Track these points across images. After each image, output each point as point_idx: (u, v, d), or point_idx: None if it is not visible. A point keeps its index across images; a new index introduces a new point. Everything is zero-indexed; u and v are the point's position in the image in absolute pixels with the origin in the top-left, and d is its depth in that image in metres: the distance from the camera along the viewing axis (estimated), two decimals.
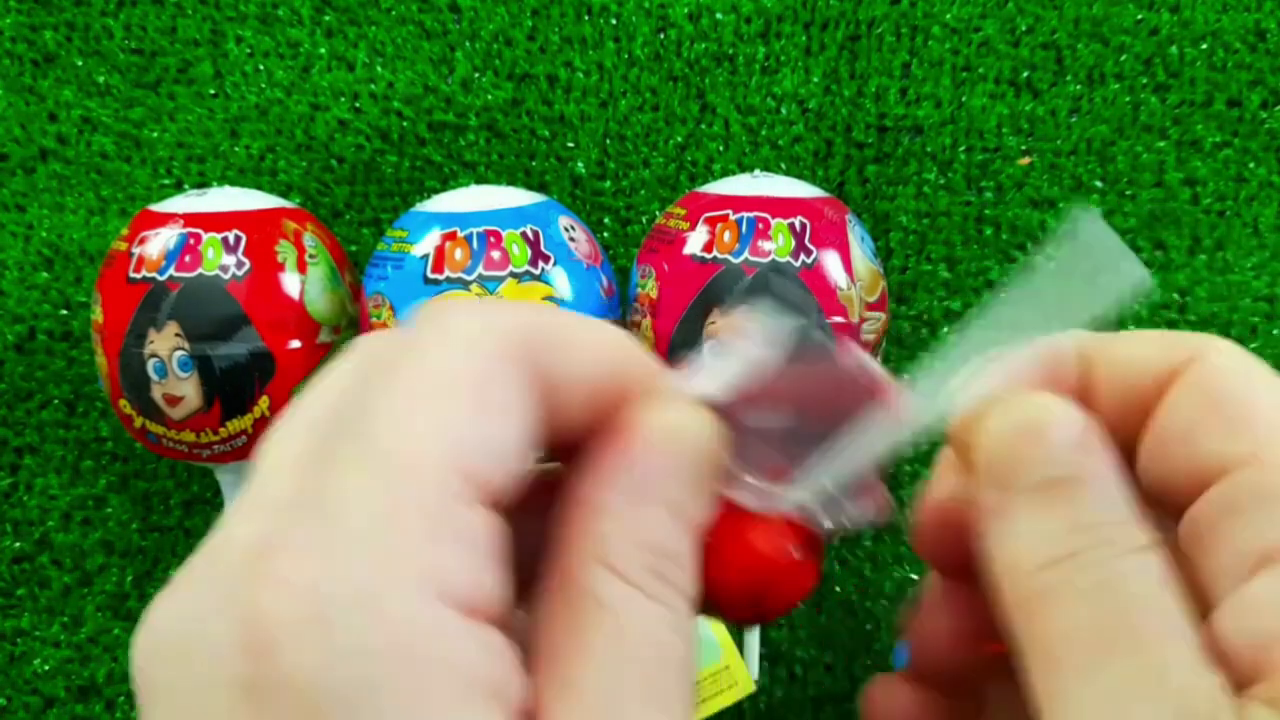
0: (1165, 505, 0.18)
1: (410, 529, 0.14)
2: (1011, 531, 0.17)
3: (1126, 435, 0.19)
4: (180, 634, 0.14)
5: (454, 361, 0.16)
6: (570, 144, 0.48)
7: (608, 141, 0.48)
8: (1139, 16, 0.47)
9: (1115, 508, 0.17)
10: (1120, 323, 0.46)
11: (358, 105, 0.49)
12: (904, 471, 0.47)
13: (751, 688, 0.41)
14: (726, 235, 0.40)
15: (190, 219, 0.40)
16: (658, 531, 0.17)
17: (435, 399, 0.15)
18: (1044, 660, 0.16)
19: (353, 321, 0.43)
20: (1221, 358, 0.18)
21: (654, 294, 0.41)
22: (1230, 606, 0.16)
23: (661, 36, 0.48)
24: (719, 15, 0.48)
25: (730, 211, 0.40)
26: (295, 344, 0.40)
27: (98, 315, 0.41)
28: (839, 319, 0.39)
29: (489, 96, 0.48)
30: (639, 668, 0.16)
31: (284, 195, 0.47)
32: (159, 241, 0.40)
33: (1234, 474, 0.17)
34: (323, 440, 0.15)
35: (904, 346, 0.47)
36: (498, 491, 0.15)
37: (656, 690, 0.16)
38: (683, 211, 0.41)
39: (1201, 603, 0.17)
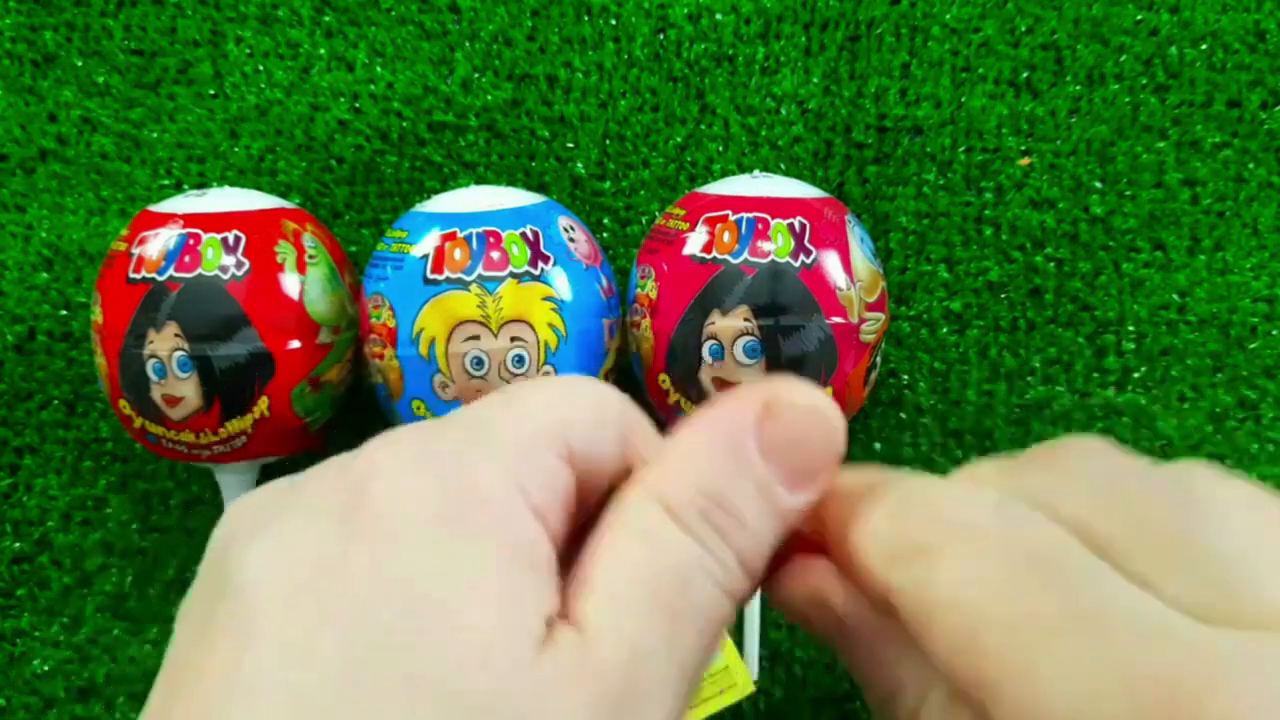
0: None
1: (508, 445, 0.17)
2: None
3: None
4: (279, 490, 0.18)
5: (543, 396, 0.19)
6: (570, 144, 0.48)
7: (607, 142, 0.48)
8: (1139, 17, 0.47)
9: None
10: (1122, 323, 0.46)
11: (358, 106, 0.49)
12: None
13: (751, 688, 0.41)
14: (726, 235, 0.40)
15: (190, 219, 0.40)
16: (728, 489, 0.17)
17: (549, 401, 0.19)
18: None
19: (352, 322, 0.43)
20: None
21: (653, 294, 0.41)
22: None
23: (661, 37, 0.48)
24: (719, 16, 0.48)
25: (730, 212, 0.40)
26: (295, 344, 0.40)
27: (97, 316, 0.41)
28: (839, 319, 0.39)
29: (489, 97, 0.48)
30: (654, 591, 0.16)
31: (284, 196, 0.47)
32: (159, 242, 0.40)
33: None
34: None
35: (904, 347, 0.47)
36: (579, 463, 0.18)
37: (665, 617, 0.16)
38: (682, 212, 0.41)
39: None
